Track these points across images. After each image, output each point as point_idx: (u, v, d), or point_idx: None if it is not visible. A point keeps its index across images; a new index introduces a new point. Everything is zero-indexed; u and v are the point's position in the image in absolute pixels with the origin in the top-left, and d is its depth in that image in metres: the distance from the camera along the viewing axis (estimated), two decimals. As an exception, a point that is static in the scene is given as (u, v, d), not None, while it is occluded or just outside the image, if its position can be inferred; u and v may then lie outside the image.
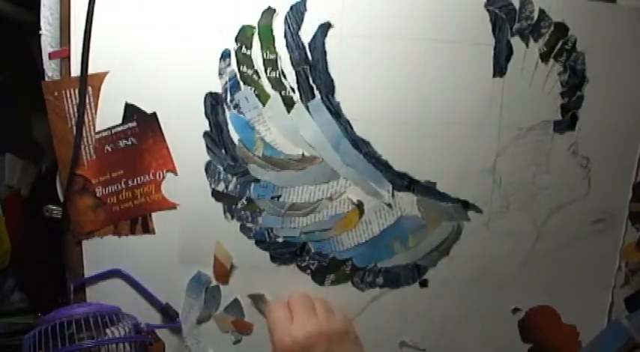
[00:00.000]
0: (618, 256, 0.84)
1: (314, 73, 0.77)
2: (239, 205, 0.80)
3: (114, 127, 0.78)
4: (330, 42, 0.77)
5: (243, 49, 0.77)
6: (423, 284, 0.83)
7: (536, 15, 0.78)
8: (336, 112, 0.78)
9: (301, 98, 0.78)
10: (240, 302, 0.82)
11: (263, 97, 0.78)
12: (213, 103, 0.78)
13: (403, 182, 0.80)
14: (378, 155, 0.79)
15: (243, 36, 0.76)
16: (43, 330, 0.68)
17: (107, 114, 0.77)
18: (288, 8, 0.76)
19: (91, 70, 0.76)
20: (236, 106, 0.78)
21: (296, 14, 0.76)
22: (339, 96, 0.78)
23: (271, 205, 0.80)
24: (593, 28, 0.78)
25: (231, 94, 0.78)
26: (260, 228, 0.80)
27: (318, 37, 0.77)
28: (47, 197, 0.81)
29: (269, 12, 0.76)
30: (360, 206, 0.81)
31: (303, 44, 0.77)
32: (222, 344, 0.83)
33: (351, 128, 0.79)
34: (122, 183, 0.79)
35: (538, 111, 0.80)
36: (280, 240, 0.81)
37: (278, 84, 0.78)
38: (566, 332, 0.86)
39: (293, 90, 0.78)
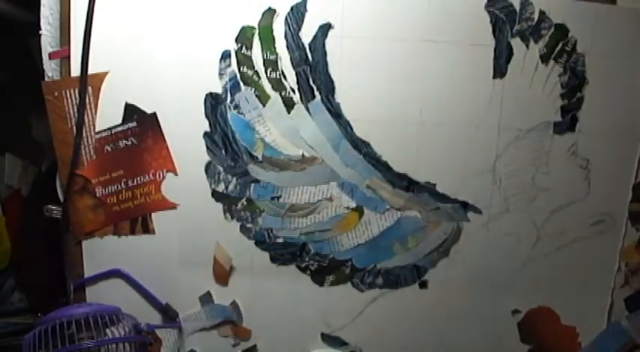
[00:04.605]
0: (618, 257, 0.85)
1: (314, 74, 0.77)
2: (239, 206, 0.80)
3: (114, 127, 0.78)
4: (331, 43, 0.77)
5: (244, 49, 0.77)
6: (423, 285, 0.83)
7: (536, 16, 0.78)
8: (336, 113, 0.78)
9: (301, 99, 0.78)
10: (238, 305, 0.82)
11: (263, 98, 0.78)
12: (214, 104, 0.78)
13: (403, 183, 0.80)
14: (377, 156, 0.79)
15: (244, 36, 0.76)
16: (43, 330, 0.69)
17: (107, 114, 0.77)
18: (288, 9, 0.76)
19: (91, 70, 0.76)
20: (236, 107, 0.78)
21: (296, 15, 0.76)
22: (339, 96, 0.78)
23: (271, 206, 0.80)
24: (593, 29, 0.79)
25: (232, 95, 0.78)
26: (260, 228, 0.80)
27: (319, 38, 0.77)
28: (47, 197, 0.81)
29: (269, 12, 0.76)
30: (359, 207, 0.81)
31: (303, 45, 0.77)
32: (220, 347, 0.83)
33: (351, 129, 0.79)
34: (122, 183, 0.79)
35: (538, 112, 0.80)
36: (280, 240, 0.81)
37: (278, 84, 0.78)
38: (566, 333, 0.86)
39: (293, 90, 0.78)
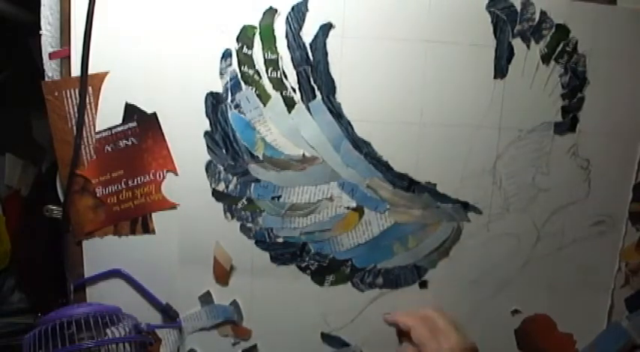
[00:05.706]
0: (618, 258, 0.84)
1: (315, 74, 0.77)
2: (239, 205, 0.80)
3: (114, 127, 0.78)
4: (332, 42, 0.77)
5: (245, 49, 0.77)
6: (423, 285, 0.83)
7: (537, 17, 0.78)
8: (337, 113, 0.78)
9: (302, 98, 0.78)
10: (239, 304, 0.82)
11: (264, 97, 0.78)
12: (214, 103, 0.78)
13: (403, 183, 0.80)
14: (378, 156, 0.79)
15: (245, 36, 0.76)
16: (43, 330, 0.68)
17: (107, 114, 0.77)
18: (289, 8, 0.76)
19: (91, 70, 0.76)
20: (237, 106, 0.78)
21: (297, 14, 0.76)
22: (340, 96, 0.78)
23: (271, 205, 0.80)
24: (594, 29, 0.78)
25: (232, 94, 0.78)
26: (260, 228, 0.80)
27: (320, 38, 0.77)
28: (47, 197, 0.81)
29: (270, 12, 0.76)
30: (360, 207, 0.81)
31: (304, 44, 0.77)
32: (221, 347, 0.83)
33: (352, 129, 0.79)
34: (122, 183, 0.79)
35: (539, 112, 0.80)
36: (280, 240, 0.81)
37: (279, 84, 0.77)
38: (563, 341, 0.85)
39: (294, 90, 0.78)
